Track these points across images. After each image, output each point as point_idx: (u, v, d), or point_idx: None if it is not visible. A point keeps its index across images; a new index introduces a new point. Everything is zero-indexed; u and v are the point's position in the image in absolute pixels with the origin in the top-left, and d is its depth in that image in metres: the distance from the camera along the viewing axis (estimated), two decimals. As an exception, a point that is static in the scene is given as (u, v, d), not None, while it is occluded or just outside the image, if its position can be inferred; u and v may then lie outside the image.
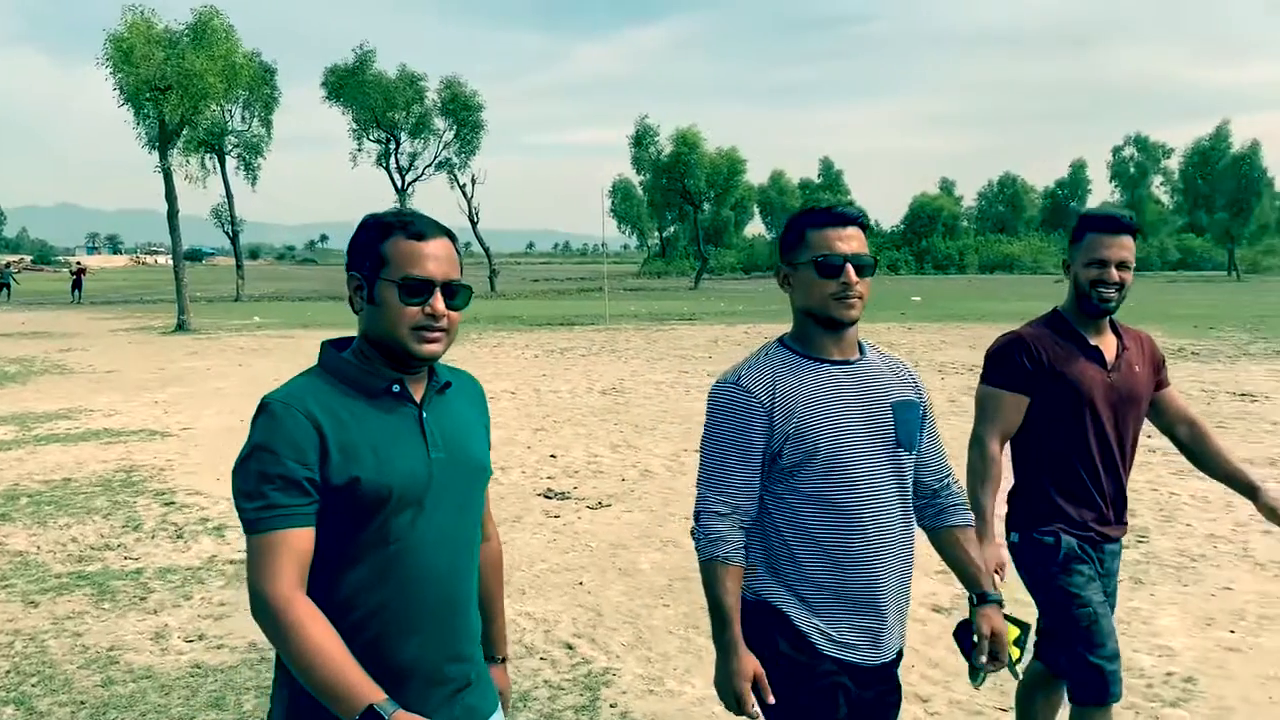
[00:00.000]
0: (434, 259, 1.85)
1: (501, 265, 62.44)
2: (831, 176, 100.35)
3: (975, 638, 2.44)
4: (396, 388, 1.87)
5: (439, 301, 1.85)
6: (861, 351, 2.41)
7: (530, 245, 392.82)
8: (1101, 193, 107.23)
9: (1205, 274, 77.34)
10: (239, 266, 47.48)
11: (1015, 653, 2.67)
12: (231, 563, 6.16)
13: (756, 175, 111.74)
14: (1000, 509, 3.08)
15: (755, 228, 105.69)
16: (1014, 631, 2.70)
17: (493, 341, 21.93)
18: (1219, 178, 70.33)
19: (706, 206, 66.22)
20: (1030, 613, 3.08)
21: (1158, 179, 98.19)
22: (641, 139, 61.61)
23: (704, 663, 4.50)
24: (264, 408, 1.80)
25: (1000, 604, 2.48)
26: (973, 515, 2.56)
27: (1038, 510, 3.09)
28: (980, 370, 3.21)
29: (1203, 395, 12.65)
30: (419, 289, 1.83)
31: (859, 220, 2.34)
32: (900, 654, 2.45)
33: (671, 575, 5.91)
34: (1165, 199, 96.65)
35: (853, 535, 2.31)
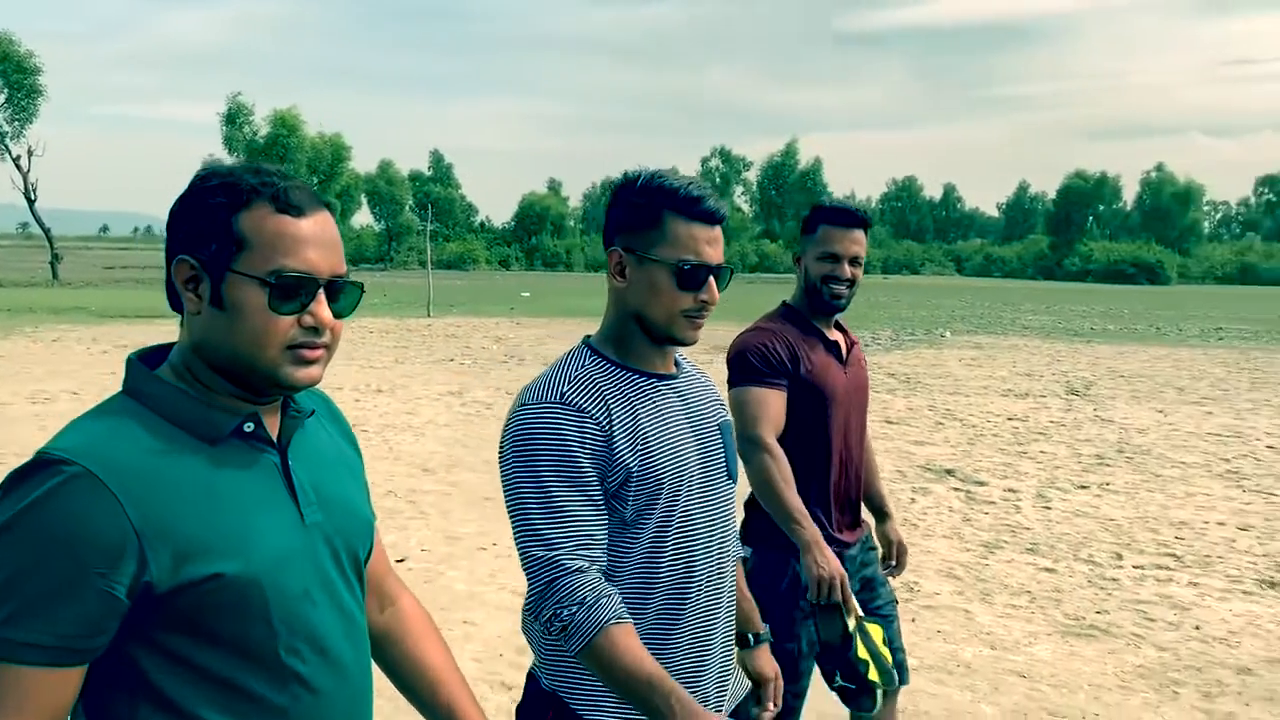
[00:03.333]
0: (316, 244, 1.29)
1: (67, 250, 55.51)
2: (442, 170, 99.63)
3: (757, 682, 2.11)
4: (250, 426, 1.31)
5: (323, 307, 1.30)
6: (677, 364, 1.96)
7: (104, 228, 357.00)
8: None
9: (779, 276, 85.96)
10: None
11: (888, 655, 2.48)
12: None
13: (364, 164, 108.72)
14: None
15: (363, 218, 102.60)
16: (879, 632, 2.50)
17: (51, 336, 19.06)
18: (790, 190, 78.54)
19: (310, 194, 63.40)
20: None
21: (739, 189, 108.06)
22: (234, 117, 57.70)
23: None
24: (35, 471, 1.17)
25: (771, 642, 2.18)
26: (740, 546, 2.14)
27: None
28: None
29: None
30: (295, 289, 1.27)
31: (725, 219, 1.85)
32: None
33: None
34: (746, 207, 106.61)
35: (687, 598, 1.84)
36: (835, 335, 2.97)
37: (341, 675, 1.36)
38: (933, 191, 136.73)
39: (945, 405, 12.60)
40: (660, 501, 1.79)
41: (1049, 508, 7.66)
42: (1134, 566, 6.24)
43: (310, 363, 1.30)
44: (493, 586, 5.54)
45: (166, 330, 20.38)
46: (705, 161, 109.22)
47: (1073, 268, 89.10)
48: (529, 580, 1.72)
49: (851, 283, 2.87)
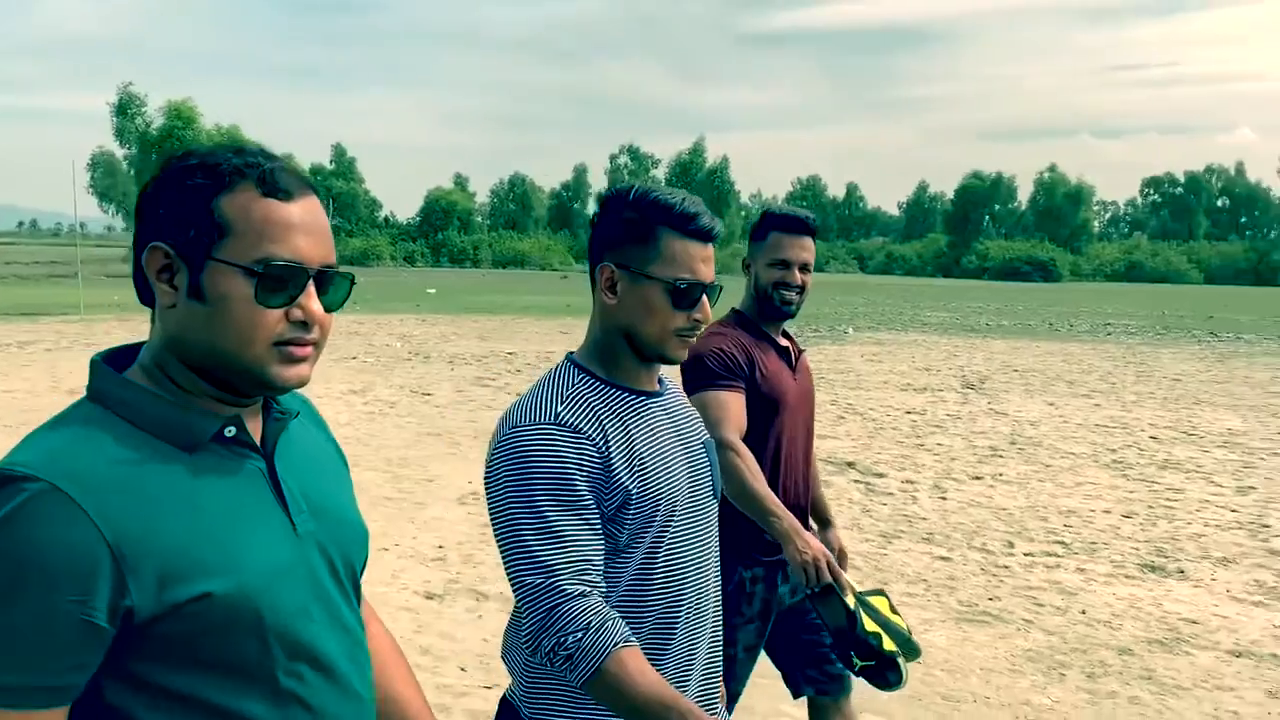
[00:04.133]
0: (305, 231, 1.18)
1: (-54, 244, 52.73)
2: (345, 164, 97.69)
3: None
4: (231, 430, 1.20)
5: (313, 300, 1.19)
6: (659, 381, 1.90)
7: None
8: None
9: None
10: None
11: (901, 622, 2.41)
12: None
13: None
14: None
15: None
16: (883, 602, 2.43)
17: (-75, 334, 18.13)
18: (697, 188, 79.22)
19: (207, 188, 61.72)
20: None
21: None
22: (125, 108, 55.72)
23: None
24: (2, 484, 1.05)
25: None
26: None
27: (739, 537, 2.71)
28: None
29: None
30: (283, 280, 1.16)
31: (719, 236, 1.80)
32: None
33: None
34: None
35: (675, 622, 1.79)
36: (785, 342, 3.01)
37: (345, 696, 1.26)
38: (836, 191, 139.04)
39: (847, 400, 12.84)
40: (655, 524, 1.74)
41: (945, 498, 7.86)
42: (1025, 554, 6.44)
43: (299, 360, 1.19)
44: (395, 587, 5.46)
45: (36, 328, 19.57)
46: (614, 159, 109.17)
47: (970, 266, 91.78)
48: (525, 609, 1.64)
49: (802, 289, 2.91)
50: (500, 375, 14.27)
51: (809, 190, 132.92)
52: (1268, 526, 7.22)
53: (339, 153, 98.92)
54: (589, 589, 1.62)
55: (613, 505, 1.69)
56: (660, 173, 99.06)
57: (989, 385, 14.82)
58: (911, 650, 2.41)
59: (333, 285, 1.22)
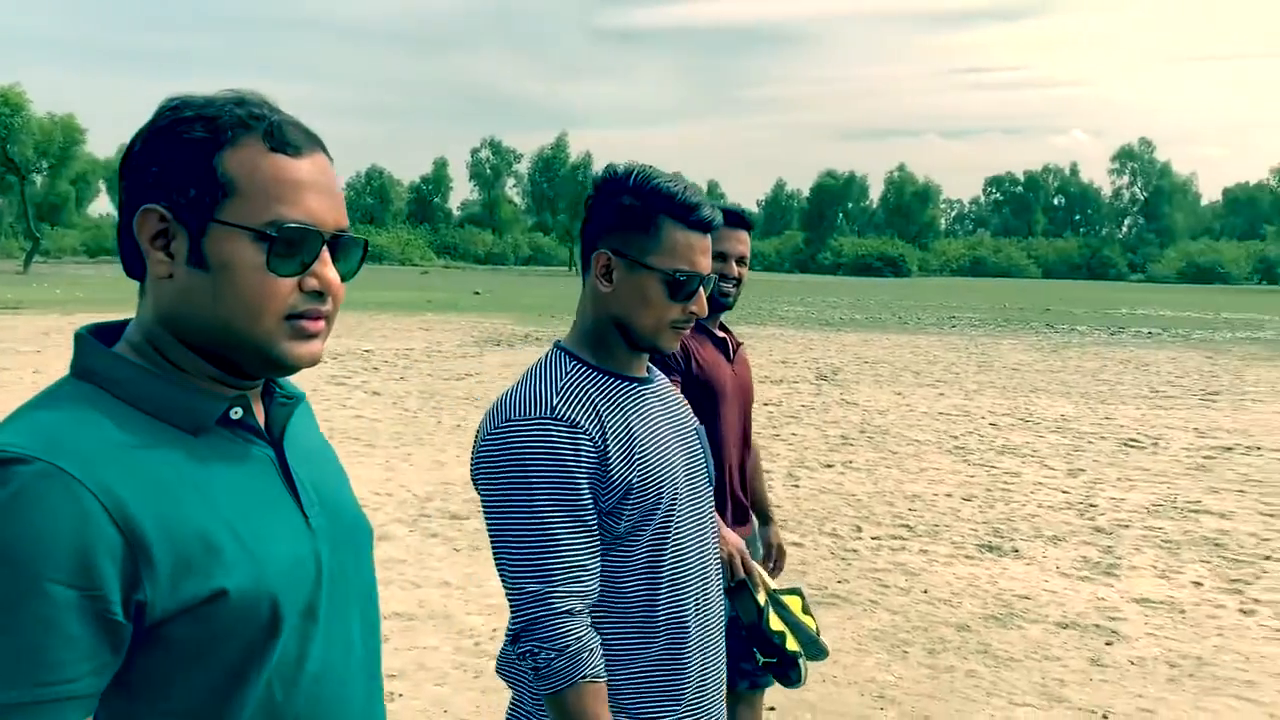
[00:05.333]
0: (317, 191, 1.05)
1: None
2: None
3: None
4: (238, 412, 1.08)
5: (328, 267, 1.07)
6: (648, 367, 1.86)
7: None
8: (462, 191, 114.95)
9: (551, 269, 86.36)
10: None
11: (811, 622, 2.41)
12: None
13: (102, 147, 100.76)
14: None
15: (102, 205, 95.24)
16: (796, 601, 2.42)
17: None
18: (561, 183, 79.16)
19: (38, 179, 58.22)
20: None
21: (510, 181, 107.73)
22: (-56, 93, 51.83)
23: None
24: None
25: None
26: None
27: None
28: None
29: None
30: (298, 245, 1.03)
31: (719, 228, 1.78)
32: None
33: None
34: (518, 199, 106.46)
35: (685, 618, 1.74)
36: (721, 334, 3.04)
37: (350, 709, 1.14)
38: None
39: (706, 392, 13.04)
40: (657, 515, 1.71)
41: (798, 486, 8.08)
42: (872, 538, 6.68)
43: (311, 336, 1.06)
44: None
45: None
46: (475, 152, 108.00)
47: (825, 262, 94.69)
48: (513, 608, 1.61)
49: (738, 281, 2.96)
50: (357, 373, 13.93)
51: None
52: (1094, 506, 7.68)
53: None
54: (579, 604, 1.60)
55: (613, 499, 1.66)
56: (523, 167, 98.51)
57: (841, 377, 15.29)
58: (817, 651, 2.46)
59: (346, 252, 1.10)
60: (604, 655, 1.64)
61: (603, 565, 1.68)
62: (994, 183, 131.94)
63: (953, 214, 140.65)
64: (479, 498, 1.69)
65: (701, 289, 1.74)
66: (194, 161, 1.02)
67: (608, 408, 1.69)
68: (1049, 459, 9.44)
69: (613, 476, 1.65)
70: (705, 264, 1.73)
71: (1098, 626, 5.15)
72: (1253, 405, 13.23)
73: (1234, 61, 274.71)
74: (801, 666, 2.40)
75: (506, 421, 1.65)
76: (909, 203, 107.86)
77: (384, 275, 58.16)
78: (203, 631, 0.98)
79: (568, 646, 1.57)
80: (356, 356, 15.91)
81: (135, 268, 1.08)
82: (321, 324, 1.08)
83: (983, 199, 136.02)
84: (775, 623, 2.42)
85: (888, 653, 4.74)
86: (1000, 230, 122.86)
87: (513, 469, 1.61)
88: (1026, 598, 5.57)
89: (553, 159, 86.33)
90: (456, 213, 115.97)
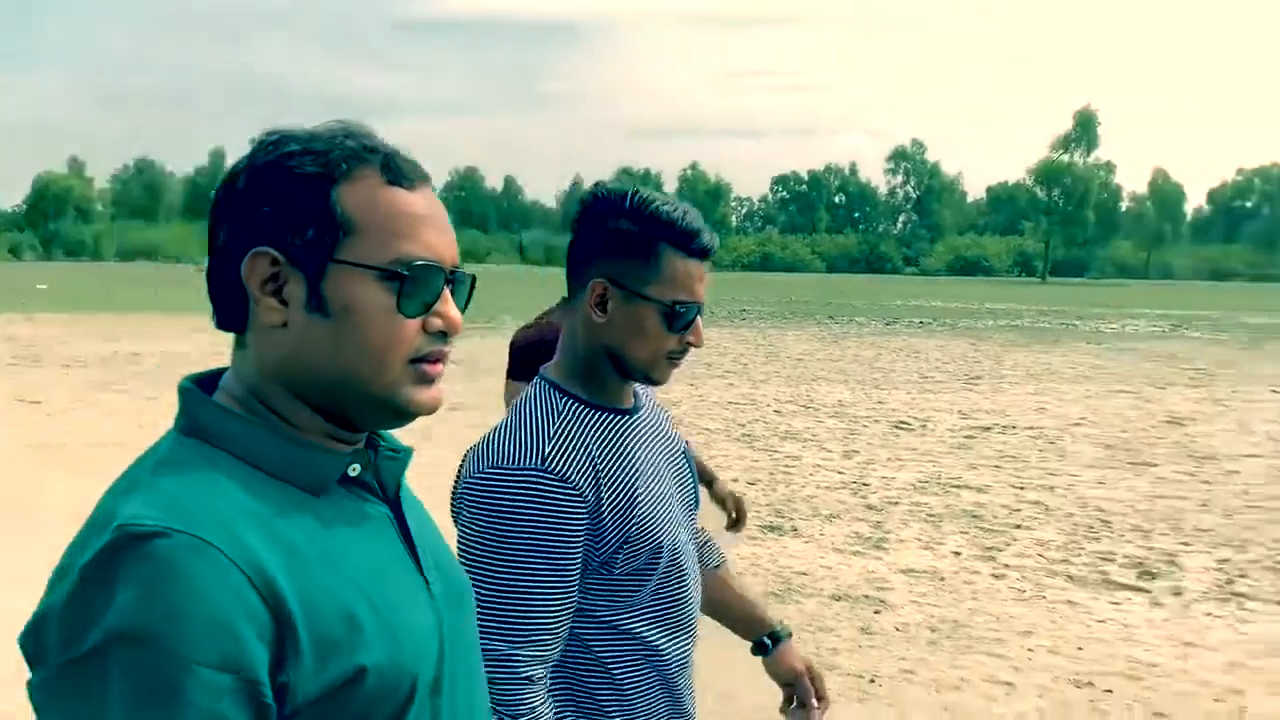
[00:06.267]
0: (433, 225, 0.97)
1: None
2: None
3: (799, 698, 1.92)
4: (356, 468, 0.98)
5: (452, 307, 0.99)
6: (634, 393, 1.75)
7: None
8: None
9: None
10: None
11: None
12: None
13: None
14: None
15: None
16: None
17: None
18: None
19: None
20: None
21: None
22: None
23: None
24: (121, 552, 0.80)
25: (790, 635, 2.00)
26: (723, 552, 1.98)
27: None
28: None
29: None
30: (422, 283, 0.95)
31: (714, 251, 1.66)
32: None
33: None
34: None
35: (684, 649, 1.69)
36: None
37: None
38: (495, 182, 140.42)
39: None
40: (661, 558, 1.63)
41: (591, 478, 8.17)
42: (661, 525, 6.83)
43: (433, 380, 0.98)
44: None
45: None
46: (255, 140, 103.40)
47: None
48: (485, 659, 1.51)
49: None
50: (126, 379, 13.07)
51: (468, 181, 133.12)
52: (867, 485, 8.15)
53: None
54: (540, 669, 1.52)
55: (608, 550, 1.57)
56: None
57: (636, 369, 15.58)
58: None
59: (458, 288, 1.02)
60: (614, 697, 1.63)
61: (606, 606, 1.62)
62: (780, 181, 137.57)
63: (743, 211, 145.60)
64: (456, 535, 1.58)
65: (699, 318, 1.66)
66: (309, 198, 0.94)
67: (602, 452, 1.61)
68: (827, 442, 9.93)
69: (606, 530, 1.57)
70: (701, 291, 1.65)
71: (867, 597, 5.47)
72: (1009, 388, 14.39)
73: (998, 65, 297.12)
74: None
75: (494, 469, 1.54)
76: (702, 200, 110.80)
77: (157, 273, 54.87)
78: (338, 714, 0.89)
79: (520, 714, 1.49)
80: (125, 360, 14.93)
81: (233, 318, 0.98)
82: (441, 367, 1.00)
83: (770, 197, 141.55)
84: None
85: (673, 635, 4.86)
86: (787, 227, 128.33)
87: (496, 521, 1.52)
88: (804, 574, 5.85)
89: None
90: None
